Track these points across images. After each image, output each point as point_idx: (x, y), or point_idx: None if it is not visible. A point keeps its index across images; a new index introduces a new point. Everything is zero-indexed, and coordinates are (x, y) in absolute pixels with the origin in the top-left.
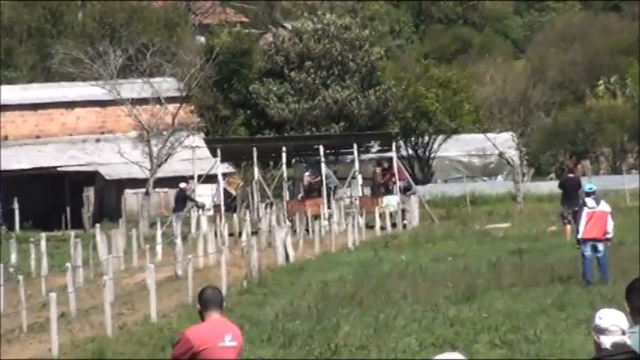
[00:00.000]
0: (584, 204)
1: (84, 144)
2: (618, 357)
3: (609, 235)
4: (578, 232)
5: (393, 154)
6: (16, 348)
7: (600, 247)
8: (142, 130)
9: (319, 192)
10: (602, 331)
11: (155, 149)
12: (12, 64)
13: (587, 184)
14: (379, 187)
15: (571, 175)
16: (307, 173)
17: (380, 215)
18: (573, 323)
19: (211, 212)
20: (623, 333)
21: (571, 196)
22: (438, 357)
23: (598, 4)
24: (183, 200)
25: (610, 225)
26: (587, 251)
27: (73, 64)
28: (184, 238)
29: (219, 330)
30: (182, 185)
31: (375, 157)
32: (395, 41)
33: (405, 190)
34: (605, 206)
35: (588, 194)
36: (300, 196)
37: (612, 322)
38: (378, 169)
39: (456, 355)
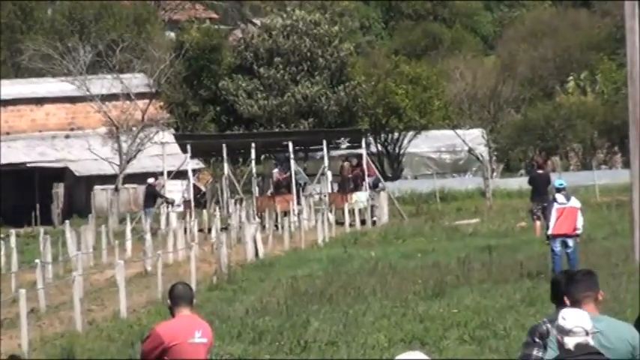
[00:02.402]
0: (555, 200)
1: (53, 140)
2: (581, 358)
3: (579, 231)
4: (548, 228)
5: (362, 150)
6: None
7: (570, 242)
8: (111, 126)
9: (288, 188)
10: (566, 332)
11: (125, 145)
12: None
13: (558, 180)
14: (348, 182)
15: (540, 171)
16: (276, 170)
17: (349, 212)
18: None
19: (181, 208)
20: (587, 334)
21: (541, 192)
22: (399, 357)
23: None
24: (152, 196)
25: (580, 221)
26: (557, 247)
27: (43, 60)
28: (154, 234)
29: (189, 326)
30: (150, 181)
31: (344, 153)
32: (364, 37)
33: (374, 187)
34: (575, 202)
35: (558, 190)
36: (269, 192)
37: (576, 323)
38: (347, 164)
39: (418, 354)
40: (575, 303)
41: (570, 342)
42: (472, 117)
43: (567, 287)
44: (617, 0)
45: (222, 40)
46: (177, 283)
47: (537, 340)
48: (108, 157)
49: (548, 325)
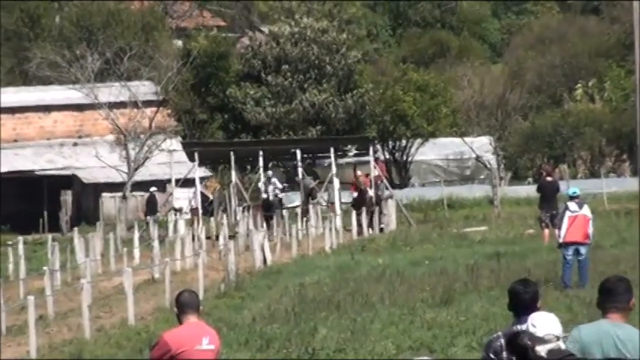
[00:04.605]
0: (567, 208)
1: (61, 148)
2: None
3: (588, 241)
4: (559, 236)
5: (370, 158)
6: None
7: (582, 250)
8: (119, 134)
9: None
10: (538, 340)
11: (132, 153)
12: None
13: (571, 187)
14: (365, 194)
15: (549, 179)
16: (270, 187)
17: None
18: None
19: (188, 216)
20: (558, 339)
21: (549, 199)
22: None
23: (577, 6)
24: (153, 204)
25: (590, 230)
26: (569, 255)
27: (51, 67)
28: (162, 241)
29: (197, 333)
30: (152, 189)
31: (352, 161)
32: (372, 45)
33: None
34: (587, 211)
35: (572, 198)
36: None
37: (547, 331)
38: (361, 177)
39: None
40: (602, 311)
41: (543, 350)
42: (480, 124)
43: (599, 294)
44: (627, 0)
45: (229, 47)
46: (184, 290)
47: (492, 356)
48: (116, 164)
49: (502, 341)
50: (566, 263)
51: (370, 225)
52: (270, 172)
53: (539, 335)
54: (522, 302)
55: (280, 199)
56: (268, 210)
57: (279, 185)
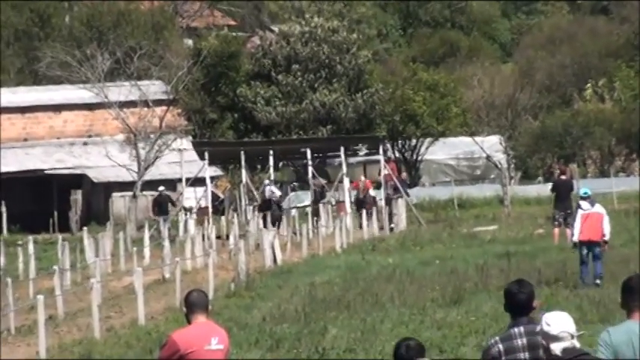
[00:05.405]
0: (579, 207)
1: (71, 147)
2: None
3: (606, 238)
4: (573, 234)
5: (380, 157)
6: (3, 350)
7: (596, 248)
8: (129, 133)
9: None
10: (552, 338)
11: (142, 152)
12: None
13: (582, 188)
14: (364, 200)
15: (563, 177)
16: (268, 187)
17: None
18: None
19: (194, 216)
20: (572, 337)
21: (563, 198)
22: None
23: (586, 6)
24: (160, 204)
25: (607, 227)
26: (584, 252)
27: (61, 67)
28: (172, 240)
29: (206, 333)
30: (161, 189)
31: (362, 160)
32: (382, 44)
33: (393, 193)
34: (599, 208)
35: (583, 198)
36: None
37: (561, 328)
38: (362, 182)
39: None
40: (626, 310)
41: (557, 347)
42: (490, 124)
43: (622, 293)
44: (637, 0)
45: (240, 47)
46: (192, 290)
47: None
48: (126, 163)
49: (500, 346)
50: (582, 261)
51: (370, 224)
52: (266, 181)
53: (554, 333)
54: (518, 303)
55: (279, 204)
56: (267, 210)
57: (277, 192)
